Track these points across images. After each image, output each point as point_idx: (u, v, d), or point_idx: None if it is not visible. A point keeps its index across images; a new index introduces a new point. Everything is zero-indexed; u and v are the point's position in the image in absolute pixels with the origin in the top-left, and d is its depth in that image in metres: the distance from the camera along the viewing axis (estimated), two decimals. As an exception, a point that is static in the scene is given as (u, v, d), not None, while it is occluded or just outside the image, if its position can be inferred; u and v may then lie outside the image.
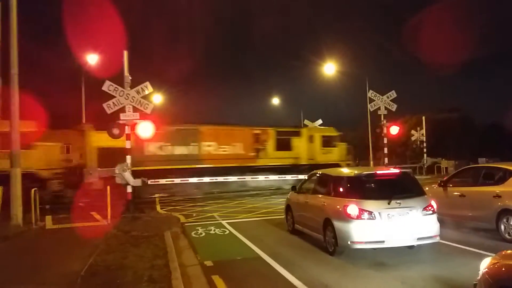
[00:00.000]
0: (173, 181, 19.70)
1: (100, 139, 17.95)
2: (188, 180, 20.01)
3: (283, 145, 22.83)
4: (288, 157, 22.70)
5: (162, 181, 19.44)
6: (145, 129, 13.14)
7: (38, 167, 17.15)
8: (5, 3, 11.41)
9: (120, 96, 12.99)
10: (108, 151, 17.59)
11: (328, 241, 7.91)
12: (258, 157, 22.21)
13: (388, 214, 7.30)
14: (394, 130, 18.61)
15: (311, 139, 23.47)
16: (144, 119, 13.16)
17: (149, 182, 16.59)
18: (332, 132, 24.44)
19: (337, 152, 23.88)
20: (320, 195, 8.65)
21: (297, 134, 23.51)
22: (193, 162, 20.48)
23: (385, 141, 19.23)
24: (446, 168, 34.46)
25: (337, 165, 21.10)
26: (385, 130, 18.55)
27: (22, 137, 15.54)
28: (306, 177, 10.26)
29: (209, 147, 21.09)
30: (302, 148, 23.30)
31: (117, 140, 15.72)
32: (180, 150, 20.38)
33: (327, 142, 23.82)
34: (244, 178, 21.69)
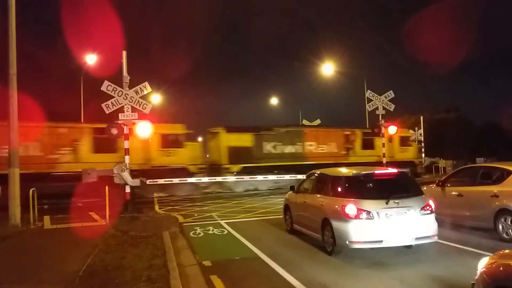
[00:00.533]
0: (171, 181, 19.70)
1: (230, 140, 21.55)
2: (186, 180, 20.04)
3: (368, 144, 25.48)
4: (372, 155, 24.89)
5: (161, 181, 19.46)
6: (144, 128, 13.22)
7: (188, 163, 20.18)
8: (3, 2, 11.40)
9: (118, 96, 12.98)
10: (236, 149, 21.24)
11: (326, 241, 7.92)
12: (349, 155, 24.70)
13: (386, 214, 7.32)
14: (392, 129, 18.65)
15: (390, 139, 25.41)
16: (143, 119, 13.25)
17: (148, 182, 16.59)
18: (408, 133, 27.90)
19: (412, 150, 27.21)
20: (318, 195, 8.66)
21: None
22: (299, 159, 22.95)
23: (383, 140, 19.29)
24: (444, 167, 34.52)
25: (412, 162, 25.58)
26: (383, 130, 18.56)
27: (176, 137, 20.17)
28: (305, 177, 10.27)
29: (310, 146, 23.87)
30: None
31: (242, 140, 21.17)
32: (288, 149, 23.19)
33: (404, 141, 26.96)
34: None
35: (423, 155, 30.61)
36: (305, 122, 33.38)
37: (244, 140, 21.73)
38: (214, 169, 21.91)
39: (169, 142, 19.94)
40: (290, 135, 23.32)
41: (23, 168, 14.33)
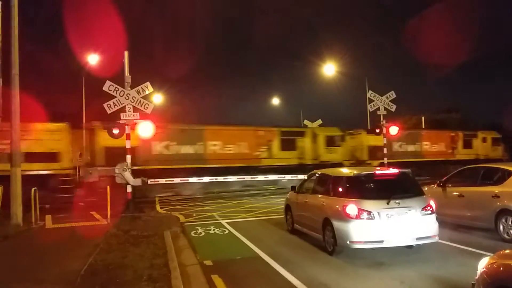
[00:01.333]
0: (173, 180, 19.76)
1: (369, 140, 24.98)
2: (187, 180, 20.10)
3: (467, 144, 29.97)
4: (470, 153, 29.51)
5: (162, 180, 19.54)
6: (145, 128, 13.22)
7: (343, 159, 24.14)
8: (6, 3, 11.43)
9: (120, 96, 13.00)
10: (373, 148, 24.58)
11: (327, 241, 7.93)
12: (454, 153, 29.01)
13: (387, 214, 7.32)
14: (394, 130, 18.63)
15: (484, 140, 30.61)
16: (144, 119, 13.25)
17: (149, 181, 16.62)
18: (497, 134, 31.86)
19: (500, 149, 31.26)
20: (319, 195, 8.67)
21: (475, 136, 30.61)
22: (418, 157, 27.12)
23: (385, 141, 19.28)
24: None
25: (501, 160, 27.36)
26: (384, 130, 18.56)
27: (335, 138, 24.39)
28: (306, 177, 10.27)
29: (426, 145, 28.03)
30: (479, 146, 30.41)
31: (378, 140, 22.10)
32: (410, 148, 27.24)
33: (495, 142, 31.27)
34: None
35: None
36: (306, 122, 33.31)
37: (379, 140, 24.61)
38: (358, 164, 24.98)
39: (331, 142, 24.06)
40: (411, 136, 27.23)
41: (238, 162, 21.17)
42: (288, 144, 23.01)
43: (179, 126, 20.58)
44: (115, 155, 16.51)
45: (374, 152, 24.55)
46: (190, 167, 19.78)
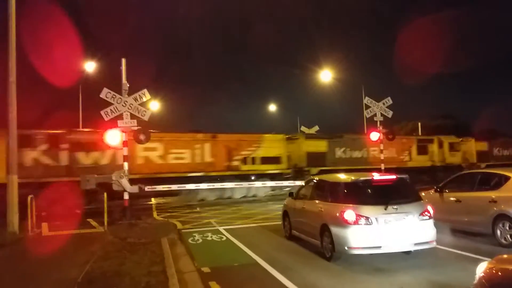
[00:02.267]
0: (170, 187, 19.69)
1: (477, 146, 29.39)
2: (185, 186, 20.05)
3: None
4: None
5: (160, 187, 19.48)
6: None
7: (461, 162, 28.14)
8: (3, 10, 11.46)
9: (117, 103, 12.99)
10: (480, 152, 29.03)
11: (325, 247, 7.93)
12: None
13: (385, 219, 7.33)
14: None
15: None
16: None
17: (146, 188, 16.57)
18: None
19: None
20: (317, 201, 8.67)
21: None
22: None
23: (382, 147, 19.33)
24: (443, 173, 34.76)
25: None
26: (381, 136, 18.60)
27: (454, 144, 28.42)
28: (304, 183, 10.28)
29: None
30: None
31: (483, 145, 29.50)
32: (505, 152, 30.85)
33: None
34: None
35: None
36: (303, 128, 33.41)
37: (483, 146, 30.07)
38: (470, 166, 27.93)
39: (452, 147, 28.24)
40: (507, 142, 31.53)
41: (391, 164, 22.51)
42: (422, 149, 27.18)
43: (352, 136, 25.65)
44: (314, 158, 22.71)
45: (481, 156, 29.30)
46: (359, 168, 22.88)
